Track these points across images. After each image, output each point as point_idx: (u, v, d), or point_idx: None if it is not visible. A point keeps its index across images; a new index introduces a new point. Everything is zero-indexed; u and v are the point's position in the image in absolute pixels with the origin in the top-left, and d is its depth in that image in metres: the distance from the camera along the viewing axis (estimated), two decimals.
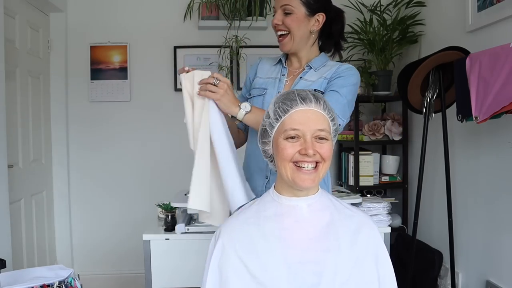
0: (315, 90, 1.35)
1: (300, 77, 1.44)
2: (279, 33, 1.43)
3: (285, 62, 1.51)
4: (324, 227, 1.03)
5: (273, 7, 1.44)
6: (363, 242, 1.04)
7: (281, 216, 1.04)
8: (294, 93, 1.05)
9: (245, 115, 1.30)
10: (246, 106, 1.30)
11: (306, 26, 1.41)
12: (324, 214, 1.05)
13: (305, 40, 1.44)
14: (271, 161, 1.13)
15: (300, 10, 1.38)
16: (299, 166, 1.01)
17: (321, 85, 1.39)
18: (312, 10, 1.39)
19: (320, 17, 1.42)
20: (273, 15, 1.43)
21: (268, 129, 1.07)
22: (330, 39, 1.49)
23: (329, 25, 1.45)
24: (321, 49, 1.50)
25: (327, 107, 1.05)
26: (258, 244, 1.01)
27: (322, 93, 1.37)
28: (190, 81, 1.31)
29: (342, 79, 1.38)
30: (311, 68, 1.44)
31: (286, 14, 1.39)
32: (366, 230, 1.06)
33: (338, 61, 1.52)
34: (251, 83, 1.56)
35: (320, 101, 1.04)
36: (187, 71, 1.32)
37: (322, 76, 1.40)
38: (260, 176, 1.45)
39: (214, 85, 1.26)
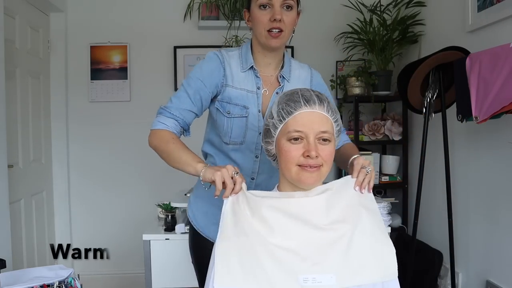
0: None
1: (277, 93, 1.35)
2: (277, 26, 1.27)
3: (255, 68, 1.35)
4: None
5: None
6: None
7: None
8: (298, 93, 1.06)
9: None
10: None
11: (295, 23, 1.34)
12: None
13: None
14: (274, 160, 1.14)
15: (295, 6, 1.31)
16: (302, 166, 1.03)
17: None
18: (298, 6, 1.33)
19: (299, 14, 1.36)
20: (265, 7, 1.27)
21: (271, 129, 1.08)
22: None
23: None
24: None
25: (331, 109, 1.06)
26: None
27: None
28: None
29: (325, 92, 1.33)
30: (284, 78, 1.37)
31: (287, 8, 1.28)
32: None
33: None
34: (213, 91, 1.32)
35: (324, 103, 1.05)
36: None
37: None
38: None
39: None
